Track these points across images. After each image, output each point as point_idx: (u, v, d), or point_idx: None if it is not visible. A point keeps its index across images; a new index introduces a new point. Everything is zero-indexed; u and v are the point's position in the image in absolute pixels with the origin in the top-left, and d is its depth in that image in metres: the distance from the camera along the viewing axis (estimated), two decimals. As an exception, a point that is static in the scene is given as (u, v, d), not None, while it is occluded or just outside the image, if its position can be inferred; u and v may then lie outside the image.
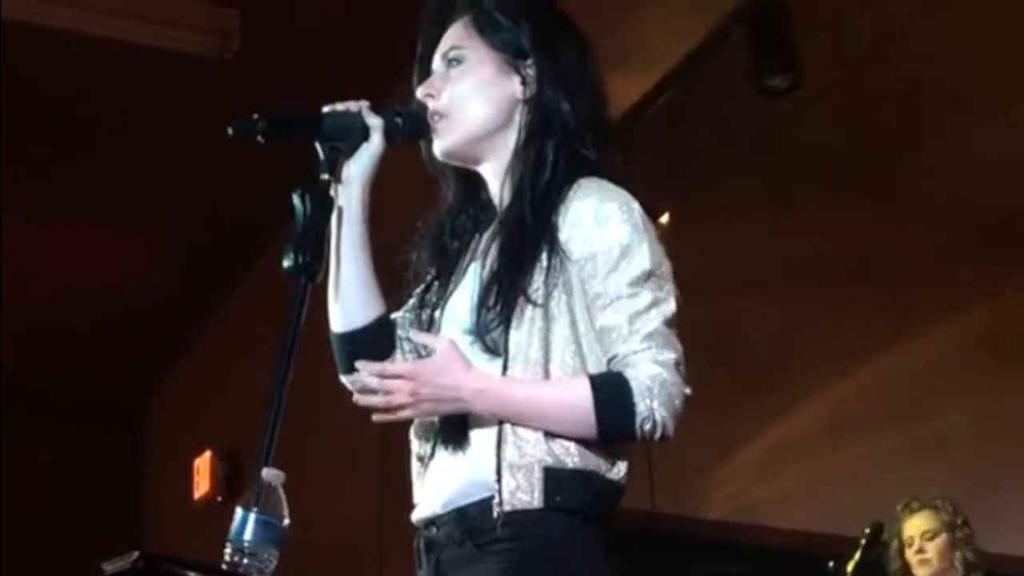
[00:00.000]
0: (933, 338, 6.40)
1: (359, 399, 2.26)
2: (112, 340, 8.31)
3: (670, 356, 2.19)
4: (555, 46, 2.40)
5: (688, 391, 2.20)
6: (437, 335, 2.33)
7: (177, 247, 7.67)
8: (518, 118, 2.38)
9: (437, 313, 2.37)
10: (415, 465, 2.35)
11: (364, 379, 2.27)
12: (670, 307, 2.23)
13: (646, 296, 2.21)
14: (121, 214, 7.35)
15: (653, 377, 2.16)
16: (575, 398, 2.17)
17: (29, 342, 8.13)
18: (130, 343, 8.38)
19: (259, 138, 2.29)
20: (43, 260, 7.63)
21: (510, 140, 2.37)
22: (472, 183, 2.46)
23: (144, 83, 6.35)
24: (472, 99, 2.38)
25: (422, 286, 2.44)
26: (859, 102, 5.75)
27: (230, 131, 2.29)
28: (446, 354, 2.22)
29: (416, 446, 2.35)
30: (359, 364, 2.28)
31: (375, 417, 2.24)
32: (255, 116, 2.28)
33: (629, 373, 2.17)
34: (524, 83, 2.38)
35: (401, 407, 2.22)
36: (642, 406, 2.15)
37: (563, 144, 2.34)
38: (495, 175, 2.40)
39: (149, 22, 6.01)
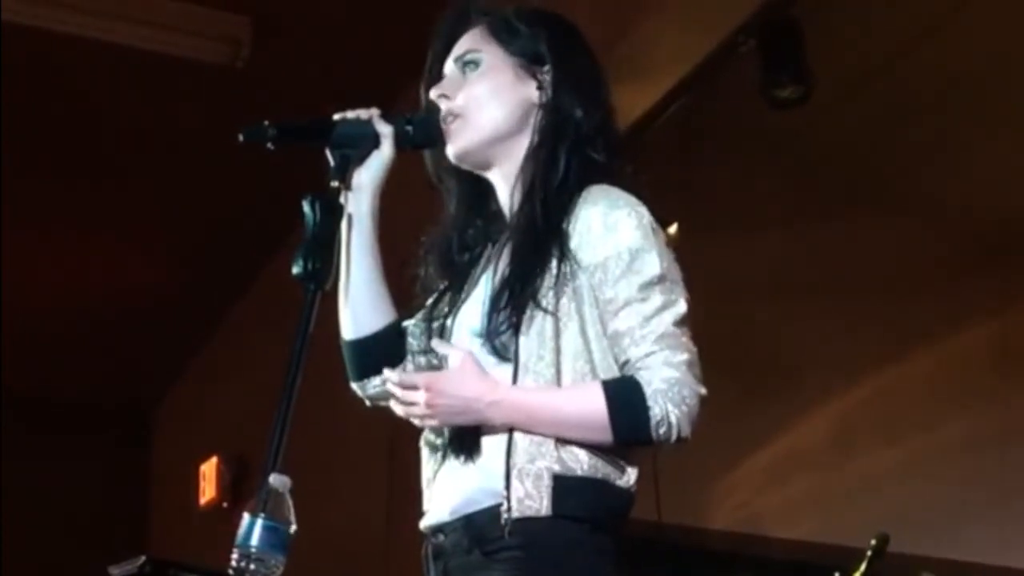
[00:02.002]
0: (940, 350, 6.38)
1: (393, 406, 2.28)
2: (119, 345, 8.31)
3: (683, 357, 2.19)
4: (571, 54, 2.42)
5: (703, 391, 2.20)
6: (449, 343, 2.34)
7: (184, 253, 7.67)
8: (532, 122, 2.38)
9: (449, 321, 2.37)
10: (424, 472, 2.35)
11: (385, 385, 2.29)
12: (681, 308, 2.24)
13: (656, 299, 2.22)
14: (128, 219, 7.34)
15: (666, 380, 2.17)
16: (589, 404, 2.18)
17: (35, 348, 8.13)
18: (137, 348, 8.38)
19: (269, 145, 2.30)
20: (48, 265, 7.63)
21: (523, 144, 2.38)
22: (480, 193, 2.46)
23: (152, 89, 6.34)
24: (489, 101, 2.38)
25: (432, 297, 2.45)
26: (869, 115, 5.74)
27: (240, 137, 2.30)
28: (462, 365, 2.23)
29: (425, 453, 2.36)
30: (385, 373, 2.28)
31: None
32: (265, 123, 2.30)
33: (642, 376, 2.17)
34: (540, 88, 2.39)
35: (421, 416, 2.24)
36: (656, 409, 2.15)
37: (576, 148, 2.35)
38: (505, 180, 2.40)
39: (158, 28, 6.00)
